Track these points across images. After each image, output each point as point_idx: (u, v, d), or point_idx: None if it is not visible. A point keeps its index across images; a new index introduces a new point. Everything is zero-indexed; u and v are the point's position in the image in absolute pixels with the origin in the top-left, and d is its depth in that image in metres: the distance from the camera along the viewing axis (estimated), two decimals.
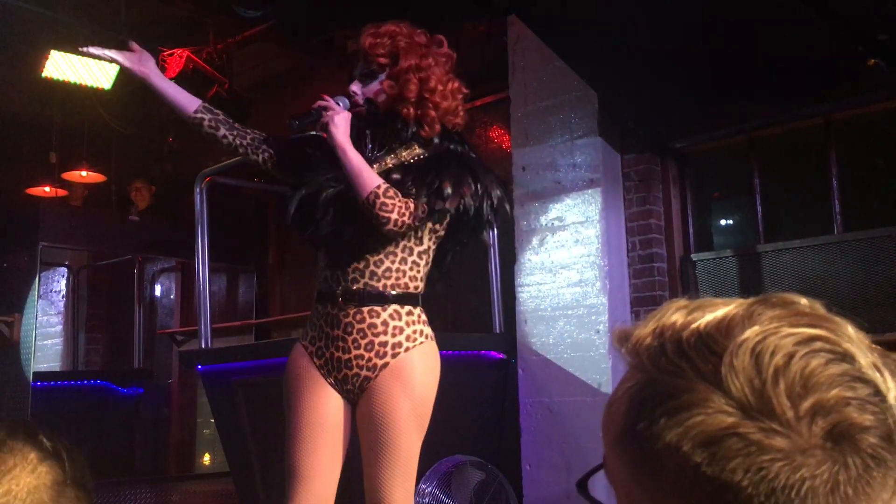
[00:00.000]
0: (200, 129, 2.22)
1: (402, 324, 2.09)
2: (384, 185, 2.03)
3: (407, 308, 2.11)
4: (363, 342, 2.07)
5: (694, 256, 4.03)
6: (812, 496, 0.51)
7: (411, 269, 2.12)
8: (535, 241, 4.16)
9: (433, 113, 2.15)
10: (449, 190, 2.07)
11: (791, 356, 0.54)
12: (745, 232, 4.14)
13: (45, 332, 7.11)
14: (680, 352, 0.57)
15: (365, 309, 2.07)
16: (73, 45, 5.25)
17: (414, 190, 2.06)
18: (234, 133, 2.24)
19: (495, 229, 4.44)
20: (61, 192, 7.05)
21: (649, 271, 3.99)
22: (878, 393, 0.54)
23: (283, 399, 2.17)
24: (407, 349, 2.09)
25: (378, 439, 2.06)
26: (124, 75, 5.56)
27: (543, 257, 4.11)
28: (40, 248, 5.78)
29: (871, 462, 0.52)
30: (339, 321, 2.09)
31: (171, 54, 5.29)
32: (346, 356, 2.08)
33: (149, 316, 7.29)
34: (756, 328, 0.56)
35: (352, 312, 2.08)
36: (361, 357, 2.07)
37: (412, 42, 2.18)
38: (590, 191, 4.00)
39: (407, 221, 2.03)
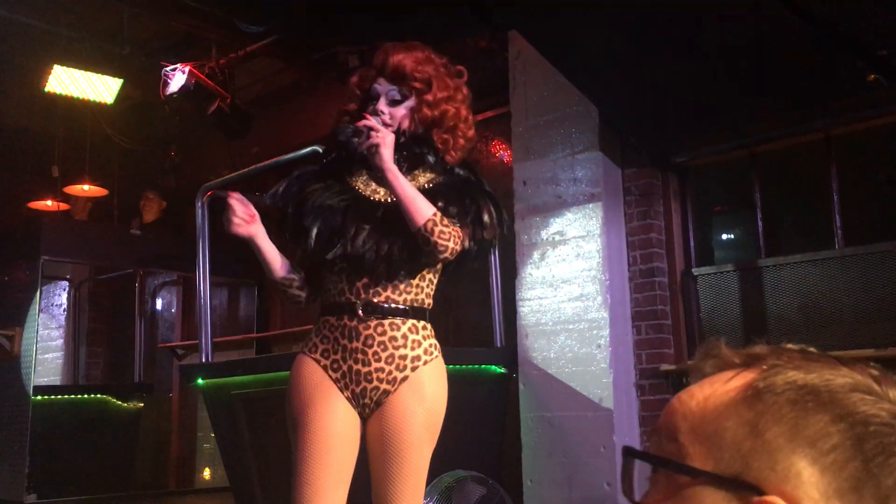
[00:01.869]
0: (288, 290, 2.21)
1: (419, 338, 2.12)
2: (439, 213, 2.06)
3: (422, 323, 2.15)
4: (384, 355, 2.07)
5: (695, 271, 4.03)
6: None
7: (427, 286, 2.17)
8: (536, 255, 4.16)
9: (462, 142, 2.22)
10: (487, 218, 2.14)
11: None
12: (746, 246, 4.14)
13: (45, 346, 7.09)
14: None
15: (386, 322, 2.08)
16: (75, 59, 5.28)
17: (458, 218, 2.11)
18: (306, 289, 2.24)
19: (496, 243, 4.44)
20: (63, 206, 7.06)
21: (650, 286, 3.99)
22: None
23: (291, 413, 2.09)
24: (425, 363, 2.11)
25: (393, 453, 2.05)
26: (126, 90, 5.60)
27: (544, 271, 4.11)
28: (42, 261, 5.79)
29: None
30: (358, 333, 2.07)
31: (174, 69, 5.31)
32: (367, 369, 2.06)
33: (150, 330, 7.28)
34: None
35: (373, 325, 2.07)
36: (382, 370, 2.06)
37: (445, 71, 2.23)
38: (591, 205, 4.01)
39: (458, 249, 2.08)
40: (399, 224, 2.08)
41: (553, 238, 4.11)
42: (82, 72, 5.27)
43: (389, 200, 2.13)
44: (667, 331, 3.97)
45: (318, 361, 2.09)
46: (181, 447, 6.80)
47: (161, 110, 5.82)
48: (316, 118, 5.82)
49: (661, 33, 3.39)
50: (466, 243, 2.11)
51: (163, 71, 5.35)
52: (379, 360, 2.06)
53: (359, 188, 2.18)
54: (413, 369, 2.08)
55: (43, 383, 6.32)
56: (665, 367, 3.89)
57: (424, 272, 2.14)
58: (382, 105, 2.17)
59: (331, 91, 5.67)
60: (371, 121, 2.11)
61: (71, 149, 6.72)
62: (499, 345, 4.30)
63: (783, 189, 4.00)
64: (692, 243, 4.08)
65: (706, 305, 3.99)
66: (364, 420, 2.09)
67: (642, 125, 3.95)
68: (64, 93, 5.29)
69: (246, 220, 2.14)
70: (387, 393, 2.07)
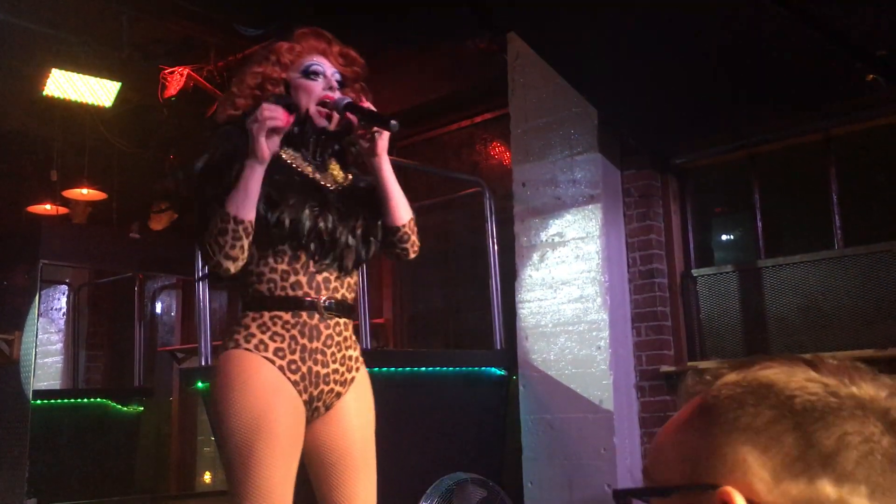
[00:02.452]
0: (242, 240, 1.87)
1: (355, 338, 2.06)
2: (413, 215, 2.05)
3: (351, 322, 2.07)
4: (339, 356, 1.96)
5: (695, 272, 4.02)
6: (869, 449, 0.58)
7: (358, 284, 2.12)
8: (535, 257, 4.15)
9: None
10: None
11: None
12: (746, 247, 4.13)
13: (45, 350, 7.09)
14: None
15: (342, 321, 1.98)
16: (73, 63, 5.28)
17: None
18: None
19: (496, 245, 4.44)
20: (62, 210, 7.05)
21: (650, 287, 3.99)
22: None
23: (237, 415, 1.83)
24: (362, 363, 2.07)
25: (357, 458, 1.99)
26: (125, 93, 5.60)
27: (544, 273, 4.11)
28: (41, 265, 5.78)
29: None
30: (319, 332, 1.93)
31: (172, 72, 5.31)
32: (325, 370, 1.93)
33: (149, 333, 7.28)
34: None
35: (332, 324, 1.95)
36: (337, 371, 1.96)
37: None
38: (590, 207, 4.01)
39: None
40: (359, 217, 1.99)
41: (552, 240, 4.11)
42: (80, 75, 5.26)
43: (338, 190, 2.00)
44: (667, 332, 3.97)
45: (271, 361, 1.88)
46: (181, 451, 6.79)
47: (160, 113, 5.82)
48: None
49: (660, 35, 3.39)
50: None
51: (161, 74, 5.34)
52: (335, 362, 1.95)
53: (308, 174, 2.00)
54: (357, 370, 2.02)
55: (43, 387, 6.32)
56: (665, 368, 3.89)
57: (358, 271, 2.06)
58: (335, 84, 2.03)
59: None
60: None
61: (70, 153, 6.72)
62: (499, 347, 4.30)
63: (783, 190, 4.00)
64: (692, 244, 4.08)
65: (706, 306, 3.99)
66: (308, 422, 1.95)
67: (641, 127, 3.95)
68: (62, 96, 5.29)
69: (281, 119, 1.87)
70: (339, 395, 1.97)
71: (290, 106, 1.95)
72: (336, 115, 2.00)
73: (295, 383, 1.89)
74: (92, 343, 7.47)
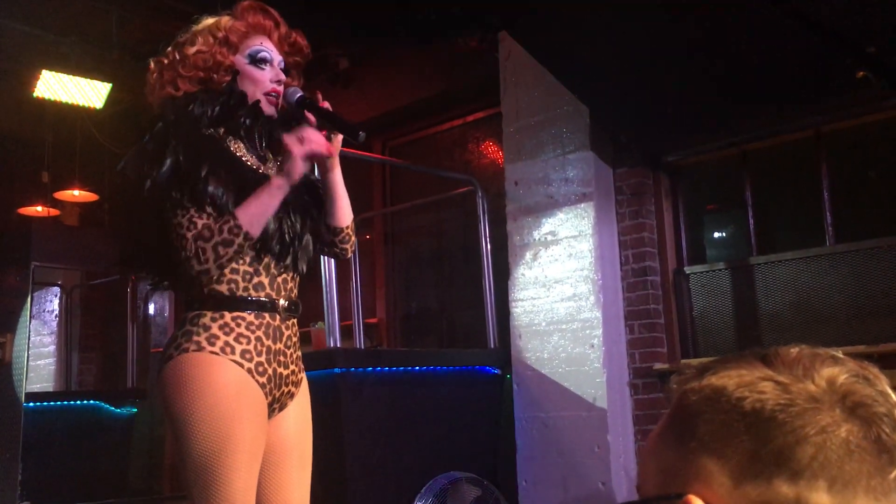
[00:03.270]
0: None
1: None
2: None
3: None
4: (294, 356, 1.95)
5: (687, 269, 4.03)
6: (825, 441, 0.57)
7: None
8: (528, 255, 4.16)
9: None
10: None
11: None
12: (738, 244, 4.15)
13: (37, 352, 7.06)
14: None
15: (295, 321, 1.97)
16: (64, 64, 5.26)
17: None
18: None
19: (489, 244, 4.45)
20: (53, 212, 7.03)
21: (643, 285, 3.99)
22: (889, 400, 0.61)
23: (205, 420, 1.77)
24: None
25: (304, 456, 1.98)
26: (116, 94, 5.58)
27: (537, 272, 4.11)
28: (32, 267, 5.76)
29: (880, 446, 0.58)
30: (281, 333, 1.89)
31: None
32: (286, 371, 1.91)
33: (142, 335, 7.25)
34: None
35: (290, 324, 1.93)
36: (294, 373, 1.94)
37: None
38: (582, 205, 4.01)
39: None
40: (308, 217, 1.96)
41: (545, 238, 4.11)
42: (71, 77, 5.25)
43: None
44: (660, 330, 3.97)
45: (239, 364, 1.81)
46: (175, 452, 6.76)
47: (151, 115, 5.80)
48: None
49: (650, 33, 3.39)
50: None
51: None
52: (293, 363, 1.94)
53: (261, 170, 1.94)
54: (303, 370, 2.00)
55: (35, 390, 6.29)
56: (658, 365, 3.89)
57: None
58: (280, 74, 1.96)
59: (321, 93, 5.65)
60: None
61: (61, 154, 6.70)
62: (492, 346, 4.30)
63: (774, 187, 4.01)
64: (684, 242, 4.09)
65: (698, 304, 4.00)
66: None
67: (633, 125, 3.96)
68: (53, 98, 5.27)
69: (321, 143, 1.85)
70: (292, 396, 1.95)
71: (329, 137, 1.92)
72: (281, 104, 1.96)
73: (262, 386, 1.85)
74: (85, 345, 7.44)
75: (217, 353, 1.80)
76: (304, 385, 2.01)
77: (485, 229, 4.45)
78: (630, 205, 4.06)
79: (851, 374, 0.60)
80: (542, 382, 4.00)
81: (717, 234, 4.41)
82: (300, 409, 1.98)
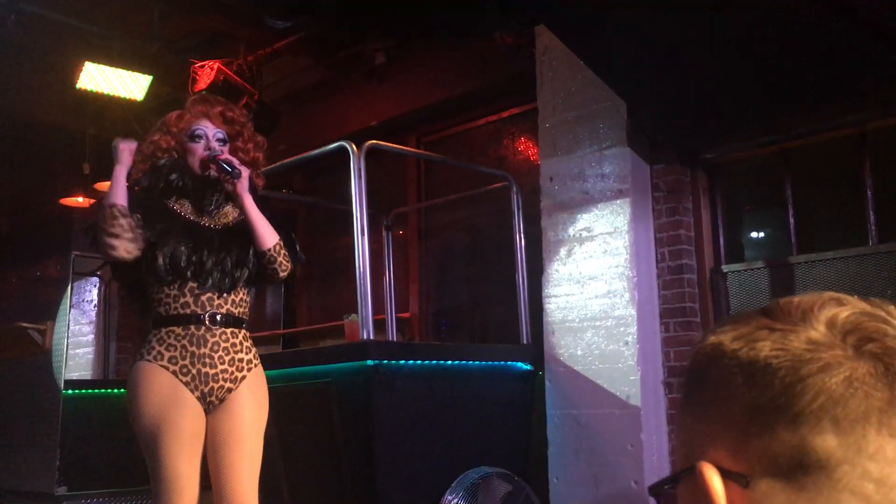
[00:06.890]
0: (122, 218, 2.48)
1: (249, 344, 2.52)
2: (279, 240, 2.51)
3: (245, 332, 2.53)
4: (227, 358, 2.43)
5: (725, 268, 3.98)
6: (833, 386, 0.54)
7: (249, 301, 2.56)
8: (562, 251, 4.13)
9: (261, 184, 2.70)
10: (298, 249, 2.62)
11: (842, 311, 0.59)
12: (777, 243, 4.08)
13: (76, 342, 7.18)
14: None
15: (228, 330, 2.45)
16: (106, 56, 5.33)
17: (284, 246, 2.54)
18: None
19: (523, 240, 4.43)
20: (94, 203, 7.13)
21: (679, 283, 3.95)
22: None
23: (148, 417, 2.34)
24: (255, 365, 2.51)
25: (239, 440, 2.40)
26: (156, 87, 5.65)
27: (571, 268, 4.08)
28: (73, 257, 5.85)
29: (892, 378, 0.54)
30: (206, 340, 2.41)
31: (203, 66, 5.34)
32: (214, 371, 2.41)
33: None
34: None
35: (217, 333, 2.43)
36: (226, 371, 2.43)
37: (251, 124, 2.73)
38: (618, 201, 3.98)
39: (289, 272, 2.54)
40: (233, 248, 2.47)
41: (580, 234, 4.08)
42: (113, 69, 5.32)
43: (218, 227, 2.51)
44: (695, 328, 3.93)
45: (166, 368, 2.37)
46: None
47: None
48: (341, 116, 5.83)
49: (691, 27, 3.35)
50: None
51: (192, 68, 5.38)
52: (223, 363, 2.42)
53: (186, 215, 2.51)
54: (249, 370, 2.48)
55: (74, 377, 6.40)
56: None
57: (247, 290, 2.54)
58: (214, 143, 2.54)
59: (356, 89, 5.68)
60: (231, 157, 2.52)
61: (102, 146, 6.79)
62: (525, 342, 4.28)
63: (816, 185, 3.94)
64: (721, 240, 4.03)
65: (736, 303, 3.94)
66: (207, 414, 2.42)
67: (671, 121, 3.91)
68: (95, 89, 5.34)
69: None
70: (230, 391, 2.44)
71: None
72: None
73: (186, 383, 2.38)
74: (122, 335, 7.55)
75: (150, 361, 2.39)
76: (253, 382, 2.48)
77: (519, 225, 4.43)
78: (667, 202, 4.01)
79: (856, 313, 0.57)
80: (575, 379, 3.98)
81: (755, 233, 4.34)
82: (247, 401, 2.45)
